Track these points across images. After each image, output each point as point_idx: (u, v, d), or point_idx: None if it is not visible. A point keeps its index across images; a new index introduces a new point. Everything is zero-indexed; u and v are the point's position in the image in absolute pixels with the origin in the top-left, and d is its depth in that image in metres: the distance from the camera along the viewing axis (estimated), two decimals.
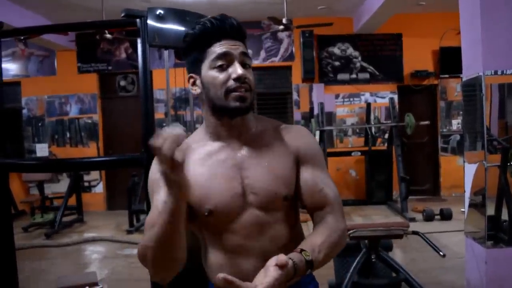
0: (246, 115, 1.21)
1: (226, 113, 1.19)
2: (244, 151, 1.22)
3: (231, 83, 1.16)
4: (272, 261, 1.02)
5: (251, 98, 1.19)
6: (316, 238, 1.16)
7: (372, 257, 2.94)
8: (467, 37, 3.26)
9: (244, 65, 1.18)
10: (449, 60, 7.20)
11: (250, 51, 1.26)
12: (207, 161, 1.21)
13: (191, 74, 1.24)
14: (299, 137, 1.27)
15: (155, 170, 1.16)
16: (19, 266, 2.75)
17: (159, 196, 1.08)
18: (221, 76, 1.17)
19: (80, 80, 7.75)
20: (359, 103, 7.70)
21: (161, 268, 1.11)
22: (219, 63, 1.17)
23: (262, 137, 1.25)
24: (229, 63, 1.17)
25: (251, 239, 1.19)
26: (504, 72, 3.02)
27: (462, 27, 3.33)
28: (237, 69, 1.16)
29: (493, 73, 3.02)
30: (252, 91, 1.19)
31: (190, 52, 1.23)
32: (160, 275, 1.13)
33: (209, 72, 1.18)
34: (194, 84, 1.23)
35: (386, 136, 7.33)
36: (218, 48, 1.17)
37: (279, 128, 1.29)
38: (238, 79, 1.15)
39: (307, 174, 1.23)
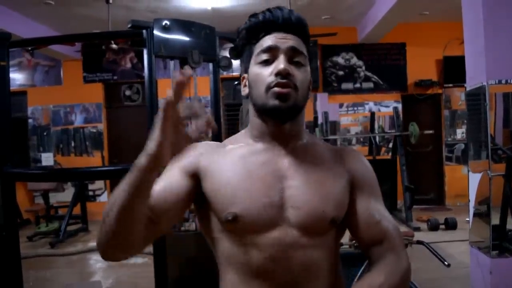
0: (293, 119, 1.04)
1: (266, 113, 1.03)
2: (290, 159, 1.04)
3: (271, 78, 1.00)
4: None
5: (296, 98, 1.01)
6: (375, 278, 0.99)
7: None
8: (471, 47, 3.27)
9: (293, 61, 1.02)
10: (453, 69, 7.20)
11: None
12: (242, 161, 1.03)
13: (243, 75, 1.10)
14: (356, 160, 1.11)
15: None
16: (24, 275, 2.76)
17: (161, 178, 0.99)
18: (265, 71, 1.02)
19: (85, 89, 7.81)
20: (363, 112, 7.71)
21: (113, 234, 0.89)
22: (264, 57, 1.03)
23: (313, 149, 1.08)
24: (275, 58, 1.02)
25: (279, 263, 0.98)
26: (508, 81, 3.02)
27: (466, 37, 3.34)
28: (279, 63, 1.00)
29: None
30: (298, 90, 1.01)
31: (242, 50, 1.10)
32: (109, 242, 0.90)
33: (253, 68, 1.04)
34: (245, 84, 1.09)
35: (391, 145, 7.32)
36: (264, 42, 1.03)
37: (332, 147, 1.14)
38: (279, 74, 0.99)
39: (363, 203, 1.06)
